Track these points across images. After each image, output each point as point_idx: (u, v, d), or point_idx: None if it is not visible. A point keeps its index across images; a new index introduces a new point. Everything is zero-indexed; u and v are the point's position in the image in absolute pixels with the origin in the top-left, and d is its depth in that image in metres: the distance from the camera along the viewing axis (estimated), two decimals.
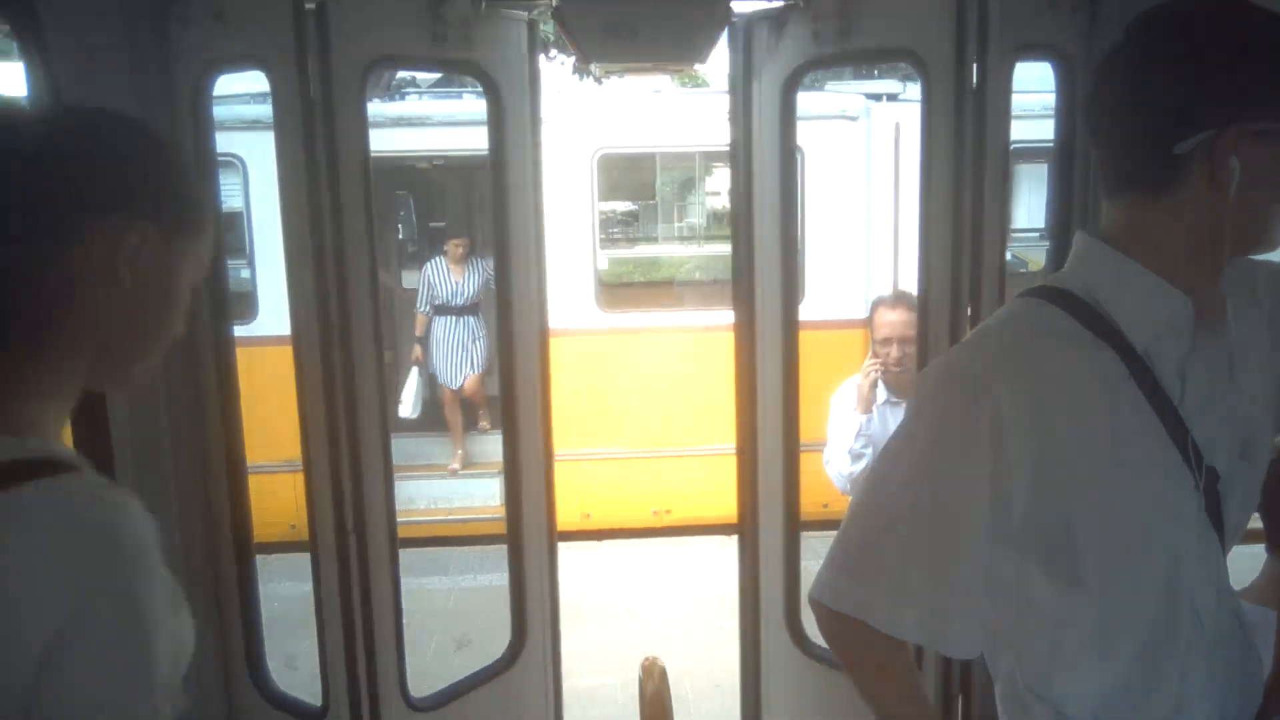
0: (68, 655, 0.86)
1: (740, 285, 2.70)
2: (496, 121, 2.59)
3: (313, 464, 2.50)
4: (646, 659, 2.52)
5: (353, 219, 2.29)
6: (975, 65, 2.08)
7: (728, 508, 7.18)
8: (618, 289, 8.85)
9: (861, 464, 3.89)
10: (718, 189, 17.25)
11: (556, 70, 16.04)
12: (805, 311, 7.06)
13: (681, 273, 11.04)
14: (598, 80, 8.38)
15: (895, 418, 3.84)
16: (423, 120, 7.30)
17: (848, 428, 3.95)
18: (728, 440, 7.08)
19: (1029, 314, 1.34)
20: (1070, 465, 1.26)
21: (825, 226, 7.12)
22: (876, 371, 3.96)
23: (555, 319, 6.97)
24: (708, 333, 7.29)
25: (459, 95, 10.41)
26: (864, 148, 7.12)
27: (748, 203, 2.61)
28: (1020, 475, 1.25)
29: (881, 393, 3.99)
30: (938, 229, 2.20)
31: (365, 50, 2.27)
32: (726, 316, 7.47)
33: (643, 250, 12.79)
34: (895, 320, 3.96)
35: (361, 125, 2.33)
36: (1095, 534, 1.26)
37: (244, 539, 2.59)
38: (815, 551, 6.84)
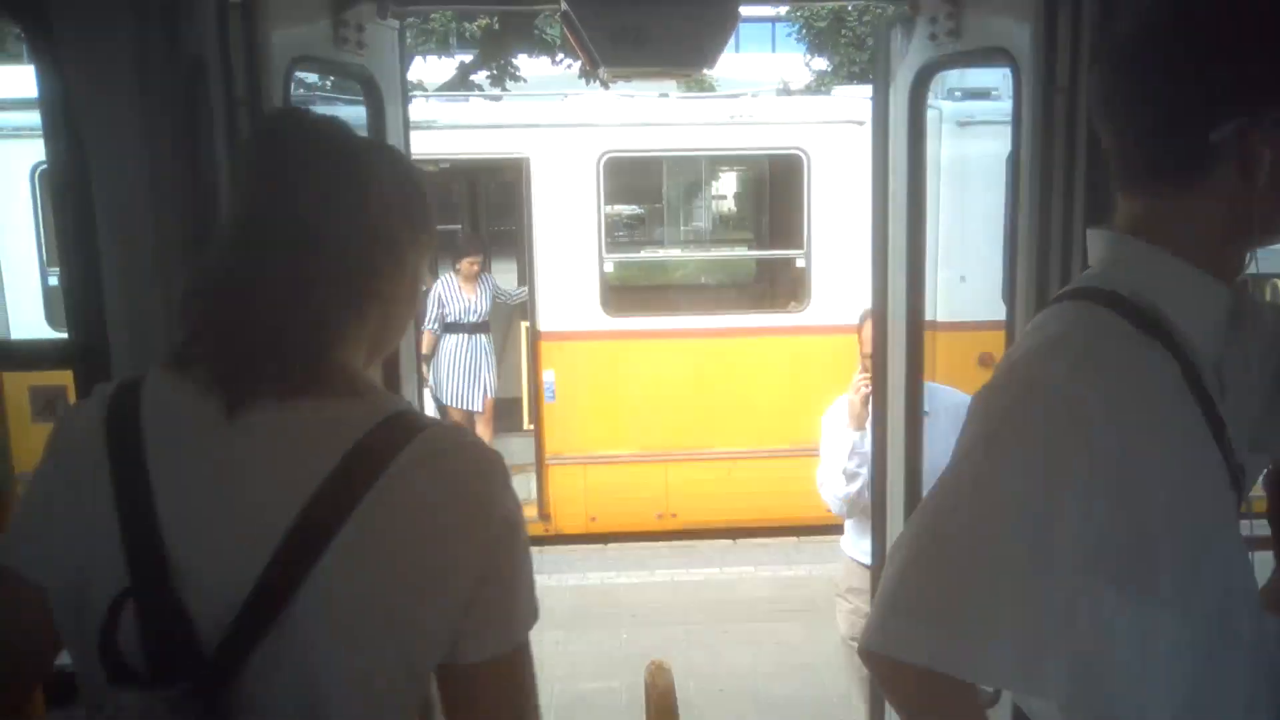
0: (501, 591, 1.09)
1: (877, 279, 2.73)
2: (378, 126, 2.60)
3: None
4: (653, 662, 2.52)
5: None
6: (1069, 64, 2.09)
7: (733, 511, 7.26)
8: (623, 292, 8.85)
9: (857, 484, 3.67)
10: (724, 193, 17.30)
11: (562, 73, 16.09)
12: (812, 316, 7.13)
13: (688, 276, 11.05)
14: (605, 84, 8.41)
15: None
16: (429, 124, 7.32)
17: (840, 446, 3.74)
18: (733, 444, 7.15)
19: (1088, 317, 1.22)
20: (1147, 471, 1.16)
21: (830, 231, 7.12)
22: (868, 386, 3.62)
23: (562, 322, 7.10)
24: (713, 337, 7.30)
25: (465, 99, 10.42)
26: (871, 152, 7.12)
27: (883, 202, 2.64)
28: (1106, 487, 1.14)
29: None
30: (1027, 226, 2.20)
31: (288, 49, 2.26)
32: (732, 320, 7.55)
33: (649, 254, 12.82)
34: None
35: None
36: (1169, 542, 1.17)
37: None
38: (819, 555, 6.85)
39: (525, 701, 1.13)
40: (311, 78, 3.18)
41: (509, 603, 1.11)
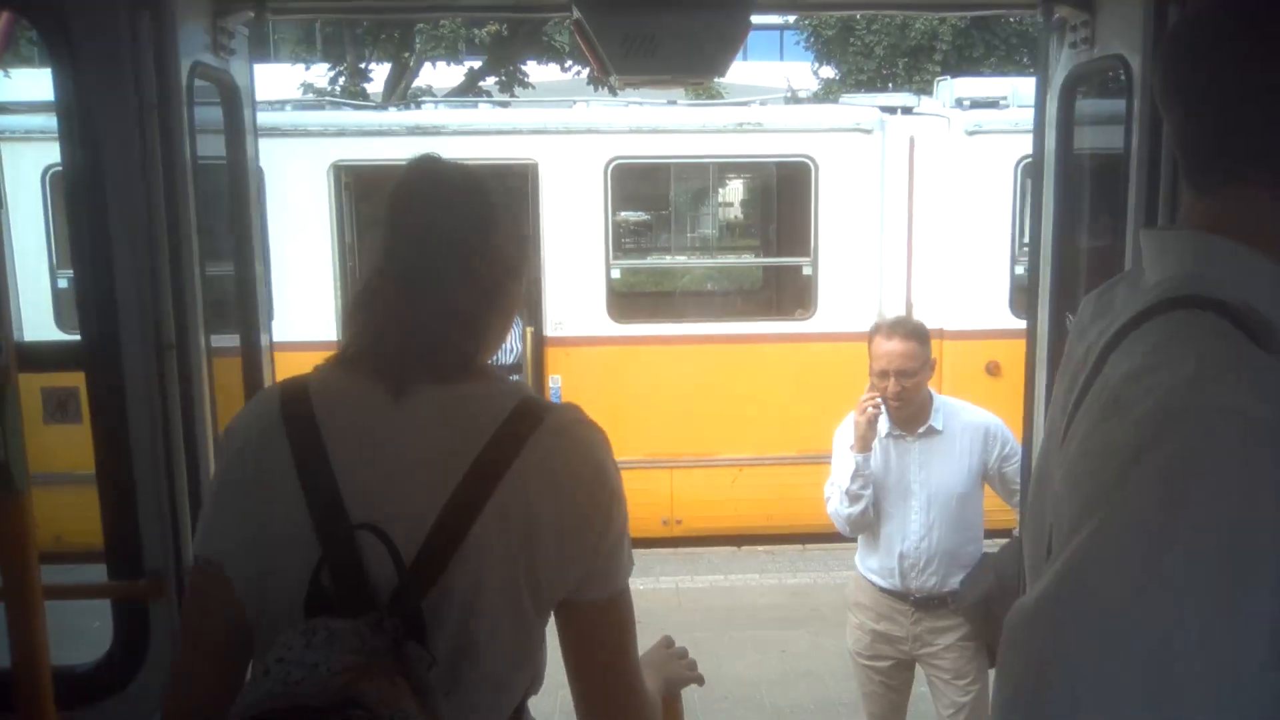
0: (614, 540, 1.36)
1: (1032, 283, 2.76)
2: (236, 128, 2.61)
3: None
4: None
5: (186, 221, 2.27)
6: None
7: (738, 518, 7.25)
8: (630, 298, 8.86)
9: (860, 505, 3.54)
10: (731, 200, 17.31)
11: (571, 80, 16.13)
12: (818, 324, 7.13)
13: (695, 283, 11.06)
14: (614, 91, 8.41)
15: (900, 453, 3.56)
16: (438, 129, 7.34)
17: (844, 466, 3.58)
18: (739, 451, 7.15)
19: (1211, 328, 1.00)
20: None
21: (837, 239, 7.12)
22: (875, 408, 3.50)
23: (568, 328, 7.10)
24: (720, 344, 7.30)
25: (474, 104, 10.44)
26: (879, 160, 7.13)
27: (1038, 207, 2.68)
28: None
29: (884, 425, 3.56)
30: (1138, 225, 2.26)
31: (188, 55, 2.27)
32: (738, 328, 7.56)
33: (656, 260, 12.84)
34: (893, 350, 3.45)
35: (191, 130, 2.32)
36: None
37: None
38: (825, 563, 6.85)
39: (630, 631, 1.41)
40: None
41: (619, 552, 1.37)
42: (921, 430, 3.56)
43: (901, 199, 7.16)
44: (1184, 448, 0.92)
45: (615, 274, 7.20)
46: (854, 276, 7.13)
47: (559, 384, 7.06)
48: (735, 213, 17.46)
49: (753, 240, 13.24)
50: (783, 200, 9.04)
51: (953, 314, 7.05)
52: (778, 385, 7.15)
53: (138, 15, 2.11)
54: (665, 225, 13.65)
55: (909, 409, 3.52)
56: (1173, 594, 0.86)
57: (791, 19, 20.86)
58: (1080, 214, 2.72)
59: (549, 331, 7.08)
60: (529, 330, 7.16)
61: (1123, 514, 0.91)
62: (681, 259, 12.82)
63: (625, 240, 12.29)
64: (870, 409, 3.49)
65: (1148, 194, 2.22)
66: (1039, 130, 2.69)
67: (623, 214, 10.68)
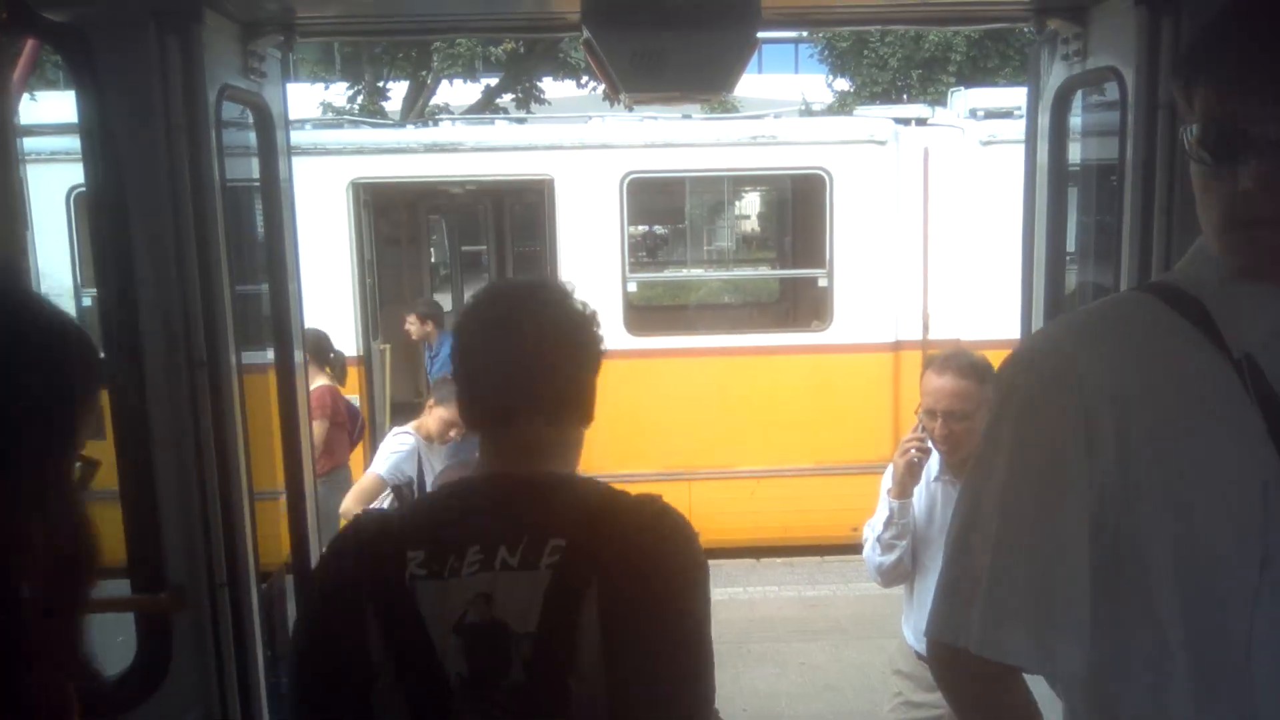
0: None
1: (1026, 294, 2.80)
2: (269, 149, 2.65)
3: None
4: None
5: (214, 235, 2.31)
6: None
7: (756, 530, 7.23)
8: (646, 312, 8.88)
9: (893, 555, 3.13)
10: (746, 213, 17.33)
11: (587, 96, 16.22)
12: (834, 335, 7.13)
13: (711, 296, 11.07)
14: (628, 108, 8.48)
15: (946, 501, 3.08)
16: (455, 146, 7.40)
17: (880, 512, 3.19)
18: (756, 463, 7.14)
19: (1123, 301, 1.30)
20: (1148, 455, 1.16)
21: (853, 250, 7.12)
22: (919, 451, 3.05)
23: None
24: (736, 356, 7.30)
25: (491, 121, 10.52)
26: (894, 172, 7.13)
27: (1031, 210, 2.72)
28: (1106, 459, 1.16)
29: (934, 465, 3.12)
30: (1135, 232, 2.27)
31: (216, 78, 2.32)
32: (754, 340, 7.56)
33: (671, 274, 12.86)
34: (943, 388, 2.98)
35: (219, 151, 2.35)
36: (1166, 548, 1.16)
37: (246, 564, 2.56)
38: (844, 575, 6.80)
39: None
40: None
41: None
42: None
43: (916, 210, 7.16)
44: (1000, 390, 1.26)
45: (632, 287, 7.23)
46: (870, 287, 7.12)
47: None
48: (751, 225, 17.47)
49: (768, 252, 13.25)
50: (798, 212, 9.05)
51: (968, 324, 7.03)
52: (795, 397, 7.14)
53: (166, 40, 2.16)
54: (681, 239, 13.68)
55: (960, 453, 2.99)
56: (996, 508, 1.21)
57: (805, 32, 20.90)
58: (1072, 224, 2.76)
59: None
60: None
61: (980, 445, 1.27)
62: (697, 272, 12.84)
63: (641, 254, 12.33)
64: (913, 451, 3.05)
65: (1143, 203, 2.23)
66: (1031, 141, 2.72)
67: (638, 228, 10.73)
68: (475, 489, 1.54)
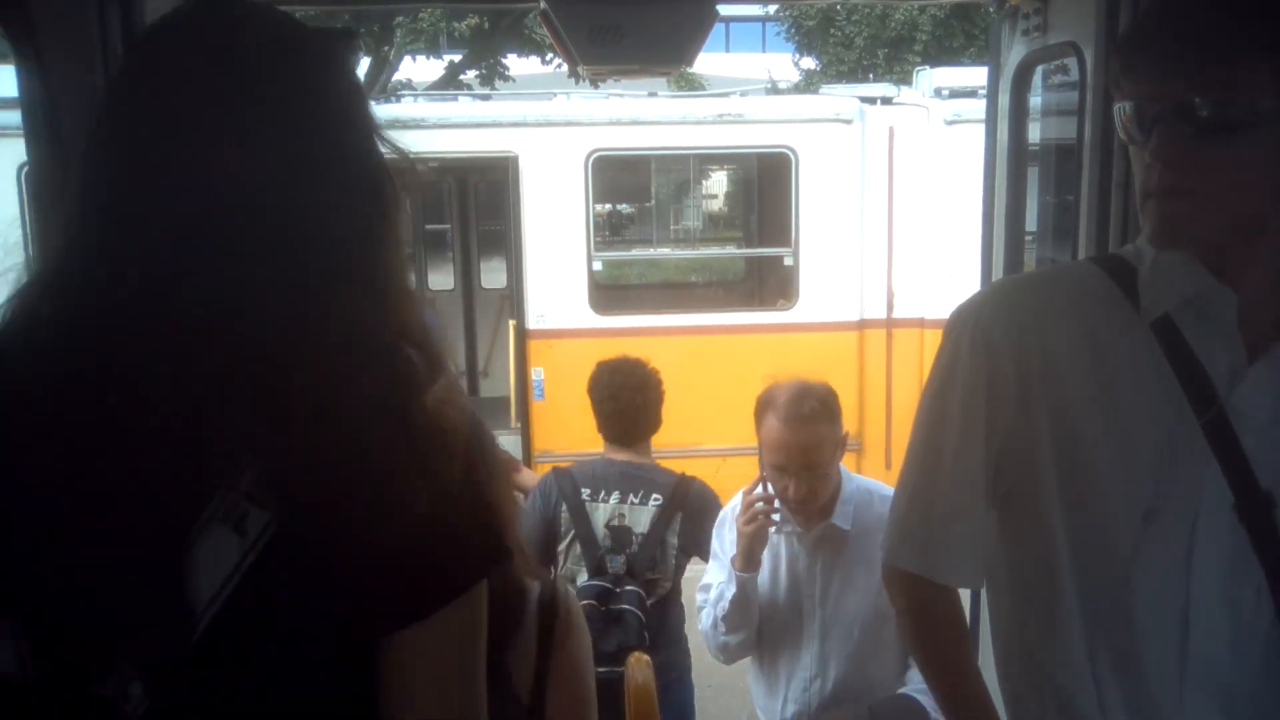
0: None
1: (986, 272, 2.87)
2: None
3: None
4: (633, 655, 2.54)
5: None
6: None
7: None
8: (612, 290, 8.86)
9: (741, 635, 2.62)
10: (713, 191, 17.31)
11: (552, 73, 16.08)
12: (800, 314, 7.15)
13: (677, 274, 11.07)
14: (593, 84, 8.39)
15: (791, 557, 2.64)
16: (418, 123, 7.31)
17: (726, 585, 2.62)
18: (721, 442, 7.16)
19: (1065, 268, 1.54)
20: (1047, 406, 1.31)
21: (818, 229, 7.14)
22: (766, 516, 2.53)
23: (550, 320, 7.09)
24: (702, 335, 7.31)
25: (454, 98, 10.40)
26: (859, 150, 7.14)
27: (992, 187, 2.73)
28: (1007, 408, 1.33)
29: (777, 516, 2.58)
30: (1092, 209, 2.29)
31: None
32: (720, 318, 7.56)
33: (637, 252, 12.83)
34: (791, 444, 2.50)
35: None
36: (1054, 491, 1.32)
37: None
38: None
39: None
40: None
41: None
42: (822, 528, 2.57)
43: (882, 188, 7.18)
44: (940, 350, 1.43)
45: (597, 266, 7.19)
46: (835, 266, 7.15)
47: (541, 376, 7.06)
48: (717, 204, 17.43)
49: (734, 231, 13.24)
50: (764, 191, 9.04)
51: (933, 302, 7.08)
52: (760, 375, 7.15)
53: (107, 11, 2.10)
54: (647, 217, 13.63)
55: (819, 502, 2.56)
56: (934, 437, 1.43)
57: (772, 9, 20.86)
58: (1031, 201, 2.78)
59: (531, 324, 7.06)
60: (511, 323, 7.15)
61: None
62: (663, 250, 12.82)
63: (606, 232, 12.27)
64: (761, 519, 2.53)
65: (1100, 179, 2.26)
66: (991, 119, 2.74)
67: (604, 206, 10.68)
68: (614, 464, 3.38)
